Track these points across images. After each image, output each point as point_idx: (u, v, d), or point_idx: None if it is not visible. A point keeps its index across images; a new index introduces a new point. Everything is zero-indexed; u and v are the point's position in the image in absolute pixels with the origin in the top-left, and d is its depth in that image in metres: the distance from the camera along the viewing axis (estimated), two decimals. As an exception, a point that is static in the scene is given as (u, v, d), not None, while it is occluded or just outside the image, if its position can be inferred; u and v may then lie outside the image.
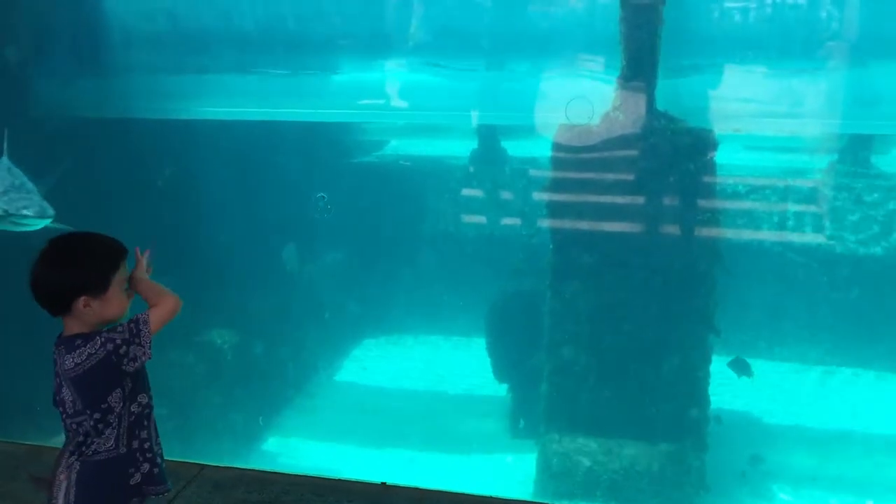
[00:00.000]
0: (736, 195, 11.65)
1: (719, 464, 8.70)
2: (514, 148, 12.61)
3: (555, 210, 9.12)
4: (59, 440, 8.14)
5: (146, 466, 3.11)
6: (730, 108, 10.68)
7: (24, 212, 6.99)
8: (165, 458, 3.95)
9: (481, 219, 12.54)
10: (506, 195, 12.47)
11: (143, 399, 3.11)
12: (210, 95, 11.01)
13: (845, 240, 11.50)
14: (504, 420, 10.25)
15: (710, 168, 8.54)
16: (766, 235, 11.65)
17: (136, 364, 2.99)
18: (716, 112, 10.09)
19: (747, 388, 11.12)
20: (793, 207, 11.69)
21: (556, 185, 9.01)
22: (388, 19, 12.22)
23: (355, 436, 10.04)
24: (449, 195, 12.73)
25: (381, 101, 12.24)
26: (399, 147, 13.78)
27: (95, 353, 2.93)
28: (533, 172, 12.04)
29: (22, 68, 9.04)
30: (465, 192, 12.76)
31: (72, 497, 3.00)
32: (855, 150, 11.74)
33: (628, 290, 8.48)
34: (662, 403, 8.54)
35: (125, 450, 3.04)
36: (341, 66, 12.13)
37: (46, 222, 7.15)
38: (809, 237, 11.58)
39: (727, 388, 10.56)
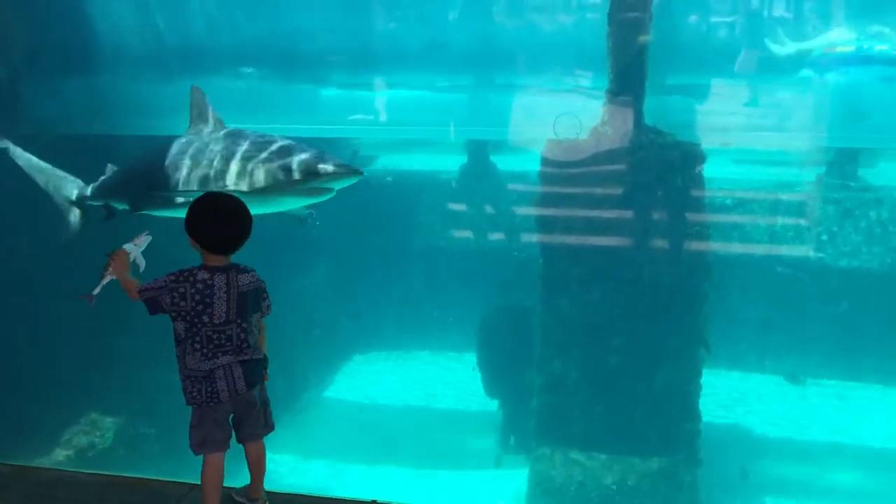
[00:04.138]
0: (724, 209, 11.71)
1: (711, 477, 8.70)
2: (503, 162, 12.65)
3: (544, 225, 9.13)
4: (47, 460, 8.02)
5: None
6: (718, 121, 10.77)
7: (334, 168, 6.18)
8: (155, 477, 4.71)
9: (471, 234, 12.55)
10: (495, 210, 12.49)
11: None
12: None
13: (834, 252, 11.57)
14: (495, 435, 10.23)
15: (698, 182, 8.58)
16: (755, 249, 11.70)
17: (262, 305, 4.07)
18: (703, 126, 10.17)
19: (737, 402, 11.17)
20: (781, 220, 11.75)
21: (545, 200, 9.04)
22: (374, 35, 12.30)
23: (345, 453, 10.00)
24: (439, 210, 12.75)
25: (371, 117, 12.28)
26: (387, 162, 13.79)
27: (258, 281, 4.02)
28: (522, 187, 12.07)
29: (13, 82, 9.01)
30: (455, 206, 12.78)
31: (243, 381, 3.96)
32: (842, 164, 11.83)
33: (618, 305, 8.49)
34: (654, 418, 8.54)
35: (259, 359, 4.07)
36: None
37: (352, 181, 6.35)
38: (798, 250, 11.64)
39: (717, 402, 10.60)
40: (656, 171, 8.41)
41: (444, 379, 12.07)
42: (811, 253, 11.55)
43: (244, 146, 6.44)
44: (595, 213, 8.54)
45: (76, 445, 8.56)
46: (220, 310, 3.86)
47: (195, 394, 3.93)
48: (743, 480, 9.18)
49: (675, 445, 8.57)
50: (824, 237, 11.57)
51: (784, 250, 11.64)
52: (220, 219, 3.88)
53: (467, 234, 12.51)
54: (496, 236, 12.26)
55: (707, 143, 8.90)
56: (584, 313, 8.57)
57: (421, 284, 12.33)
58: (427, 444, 10.20)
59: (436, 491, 9.46)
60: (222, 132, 6.71)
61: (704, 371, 8.61)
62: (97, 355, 8.61)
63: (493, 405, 10.48)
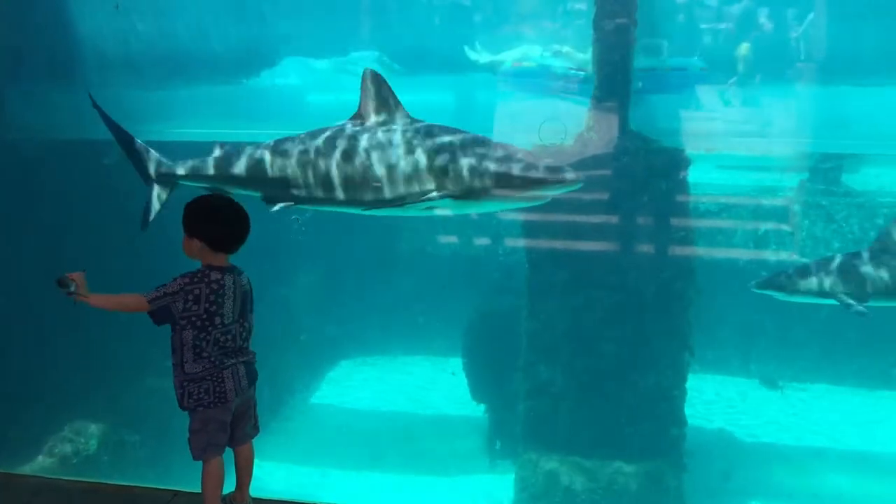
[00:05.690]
0: (709, 214, 11.76)
1: (696, 481, 8.73)
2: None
3: (530, 230, 9.15)
4: (31, 467, 7.97)
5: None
6: (702, 127, 10.85)
7: (555, 178, 5.74)
8: (140, 484, 4.71)
9: (456, 239, 12.55)
10: (481, 215, 12.48)
11: None
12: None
13: (817, 257, 11.62)
14: (482, 441, 10.22)
15: (683, 187, 8.62)
16: (739, 253, 11.76)
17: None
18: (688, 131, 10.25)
19: (722, 406, 11.21)
20: (764, 225, 11.82)
21: (531, 205, 9.05)
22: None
23: (332, 459, 9.97)
24: (425, 215, 12.71)
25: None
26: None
27: (250, 282, 4.03)
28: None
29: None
30: (441, 211, 12.75)
31: (246, 380, 4.01)
32: (825, 169, 11.91)
33: (603, 310, 8.51)
34: (639, 423, 8.56)
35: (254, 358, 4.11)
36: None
37: (571, 189, 5.90)
38: (782, 255, 11.70)
39: (702, 406, 10.64)
40: (641, 176, 8.44)
41: (430, 384, 12.06)
42: (794, 257, 11.62)
43: (463, 145, 5.78)
44: (580, 218, 8.56)
45: (60, 453, 8.51)
46: (228, 310, 3.88)
47: (202, 395, 3.88)
48: (725, 483, 9.21)
49: (660, 450, 8.60)
50: (808, 242, 11.64)
51: (768, 255, 11.72)
52: (223, 217, 3.90)
53: (453, 238, 12.51)
54: (482, 241, 12.27)
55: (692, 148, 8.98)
56: (570, 318, 8.59)
57: (407, 290, 12.31)
58: (413, 450, 10.19)
59: (422, 496, 9.45)
60: (413, 124, 5.97)
61: (689, 375, 8.65)
62: (81, 363, 8.57)
63: (479, 410, 10.48)
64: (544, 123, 8.33)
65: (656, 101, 10.61)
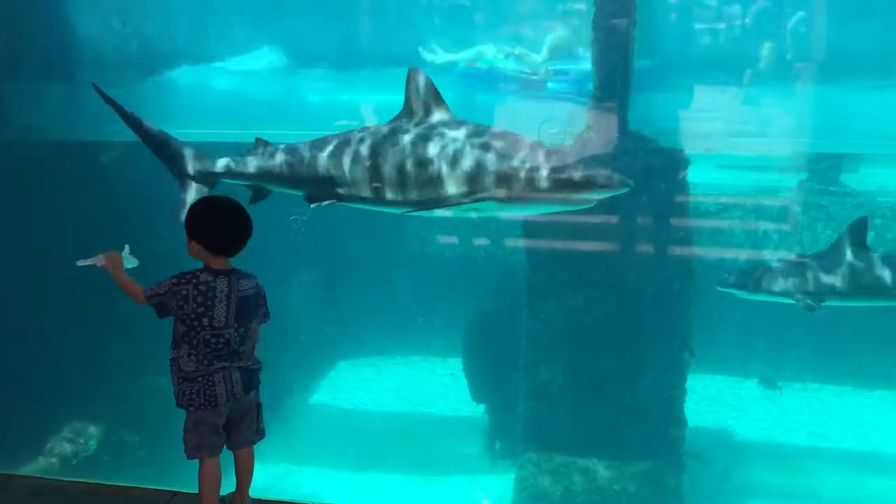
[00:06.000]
0: (708, 214, 11.77)
1: (695, 480, 8.73)
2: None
3: (530, 230, 9.15)
4: (30, 468, 7.97)
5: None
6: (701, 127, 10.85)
7: (606, 181, 5.75)
8: (137, 485, 4.72)
9: (456, 239, 12.55)
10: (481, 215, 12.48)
11: None
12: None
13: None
14: (481, 441, 10.22)
15: (682, 187, 8.62)
16: (738, 253, 11.76)
17: (260, 311, 4.05)
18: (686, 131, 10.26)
19: (720, 406, 11.22)
20: (764, 226, 11.83)
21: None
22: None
23: (332, 459, 9.97)
24: (425, 215, 12.69)
25: (358, 122, 12.25)
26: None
27: (258, 287, 4.03)
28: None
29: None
30: (441, 212, 12.74)
31: (241, 385, 3.98)
32: (824, 169, 11.92)
33: (603, 310, 8.51)
34: (639, 423, 8.56)
35: (256, 365, 4.08)
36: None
37: (620, 192, 5.90)
38: (781, 255, 11.70)
39: (701, 406, 10.64)
40: (641, 176, 8.43)
41: (429, 385, 12.06)
42: (793, 257, 11.62)
43: (507, 147, 5.73)
44: (580, 218, 8.56)
45: (60, 453, 8.51)
46: (219, 313, 3.86)
47: (193, 396, 3.91)
48: (724, 483, 9.21)
49: (660, 450, 8.60)
50: (807, 241, 11.64)
51: (767, 255, 11.71)
52: (222, 219, 3.90)
53: (453, 239, 12.51)
54: (482, 241, 12.26)
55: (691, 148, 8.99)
56: (570, 318, 8.59)
57: (406, 290, 12.31)
58: (412, 450, 10.18)
59: (421, 497, 9.45)
60: (459, 124, 5.96)
61: (689, 376, 8.65)
62: (80, 362, 8.56)
63: (479, 410, 10.47)
64: (543, 125, 8.32)
65: (655, 101, 10.61)
